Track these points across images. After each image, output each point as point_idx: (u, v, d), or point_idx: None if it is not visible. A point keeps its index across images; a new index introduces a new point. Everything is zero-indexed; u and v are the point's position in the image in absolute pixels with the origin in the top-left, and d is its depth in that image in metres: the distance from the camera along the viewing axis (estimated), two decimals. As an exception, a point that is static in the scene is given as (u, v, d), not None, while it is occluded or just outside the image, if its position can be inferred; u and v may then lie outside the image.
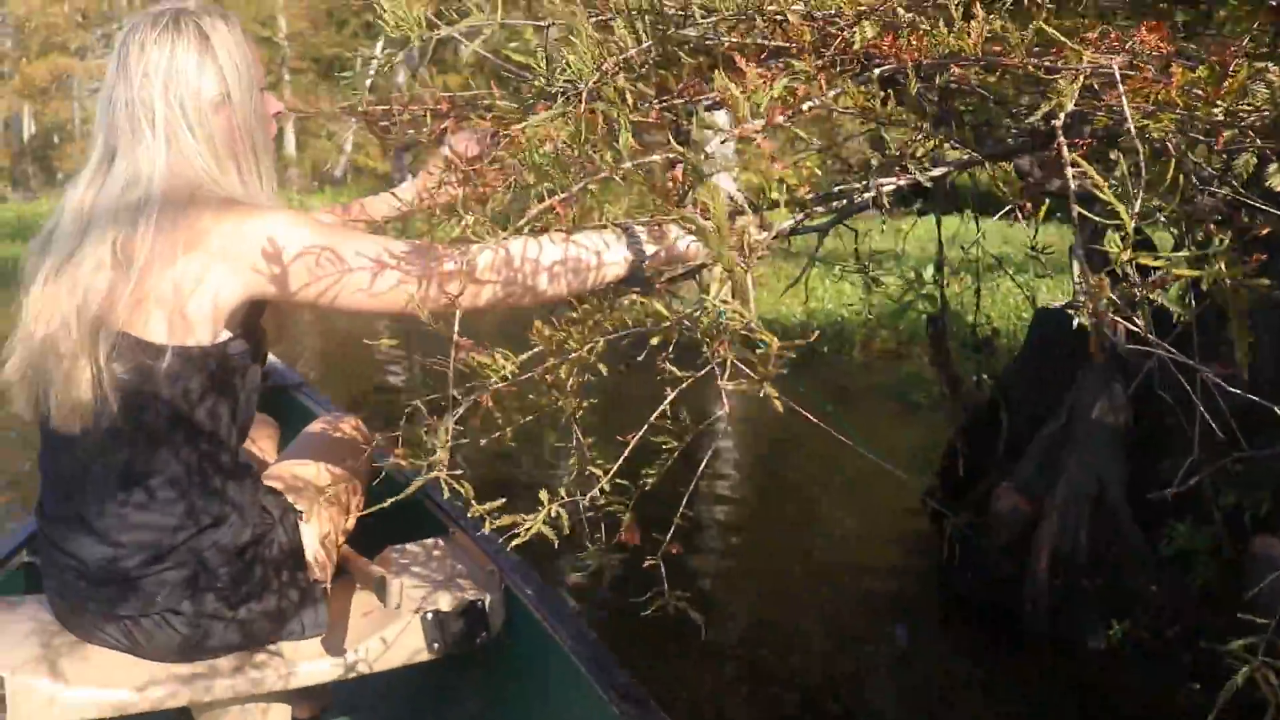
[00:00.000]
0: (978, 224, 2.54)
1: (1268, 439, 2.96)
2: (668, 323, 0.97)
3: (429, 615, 1.64)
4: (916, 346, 6.18)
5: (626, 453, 1.11)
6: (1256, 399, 1.18)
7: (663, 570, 1.22)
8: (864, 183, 1.25)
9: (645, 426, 1.09)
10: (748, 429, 5.10)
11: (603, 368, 1.10)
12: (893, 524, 3.88)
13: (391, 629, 1.62)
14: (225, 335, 1.39)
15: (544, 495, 1.09)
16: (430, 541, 1.91)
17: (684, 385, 1.02)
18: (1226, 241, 0.86)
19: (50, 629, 1.55)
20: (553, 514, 1.06)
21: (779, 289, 6.14)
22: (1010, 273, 3.19)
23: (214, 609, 1.47)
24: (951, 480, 3.50)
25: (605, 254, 1.34)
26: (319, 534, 1.65)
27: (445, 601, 1.66)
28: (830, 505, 4.24)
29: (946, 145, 1.22)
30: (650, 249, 1.35)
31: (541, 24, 1.34)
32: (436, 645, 1.64)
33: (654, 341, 1.03)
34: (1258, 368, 3.08)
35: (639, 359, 1.13)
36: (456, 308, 1.20)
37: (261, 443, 2.05)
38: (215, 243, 1.34)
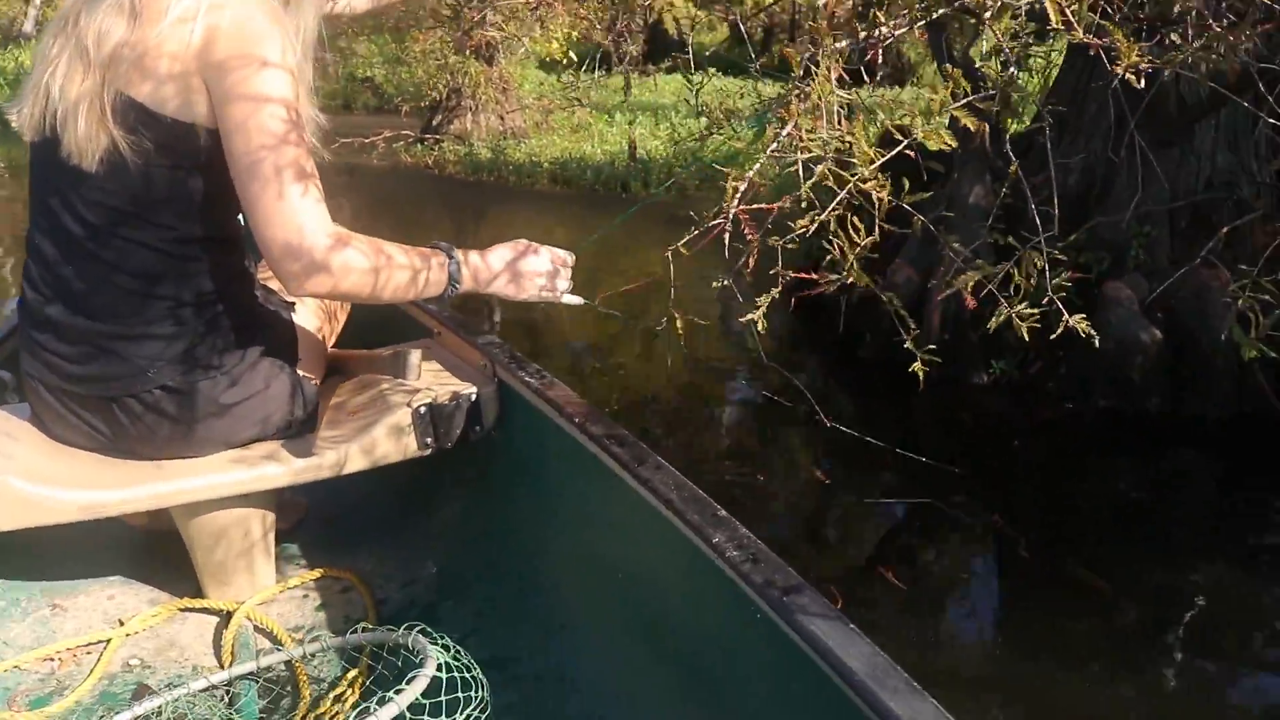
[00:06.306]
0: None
1: (1104, 212, 3.73)
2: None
3: (421, 410, 1.55)
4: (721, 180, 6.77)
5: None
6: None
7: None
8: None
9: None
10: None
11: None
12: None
13: (381, 426, 1.52)
14: (201, 116, 1.25)
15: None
16: (418, 342, 1.83)
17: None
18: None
19: (24, 431, 1.43)
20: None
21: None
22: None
23: (204, 390, 1.38)
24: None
25: (434, 274, 1.34)
26: (311, 328, 1.60)
27: (436, 396, 1.58)
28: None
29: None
30: (466, 274, 1.37)
31: None
32: (429, 440, 1.56)
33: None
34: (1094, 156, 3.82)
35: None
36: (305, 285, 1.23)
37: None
38: (226, 20, 1.21)
